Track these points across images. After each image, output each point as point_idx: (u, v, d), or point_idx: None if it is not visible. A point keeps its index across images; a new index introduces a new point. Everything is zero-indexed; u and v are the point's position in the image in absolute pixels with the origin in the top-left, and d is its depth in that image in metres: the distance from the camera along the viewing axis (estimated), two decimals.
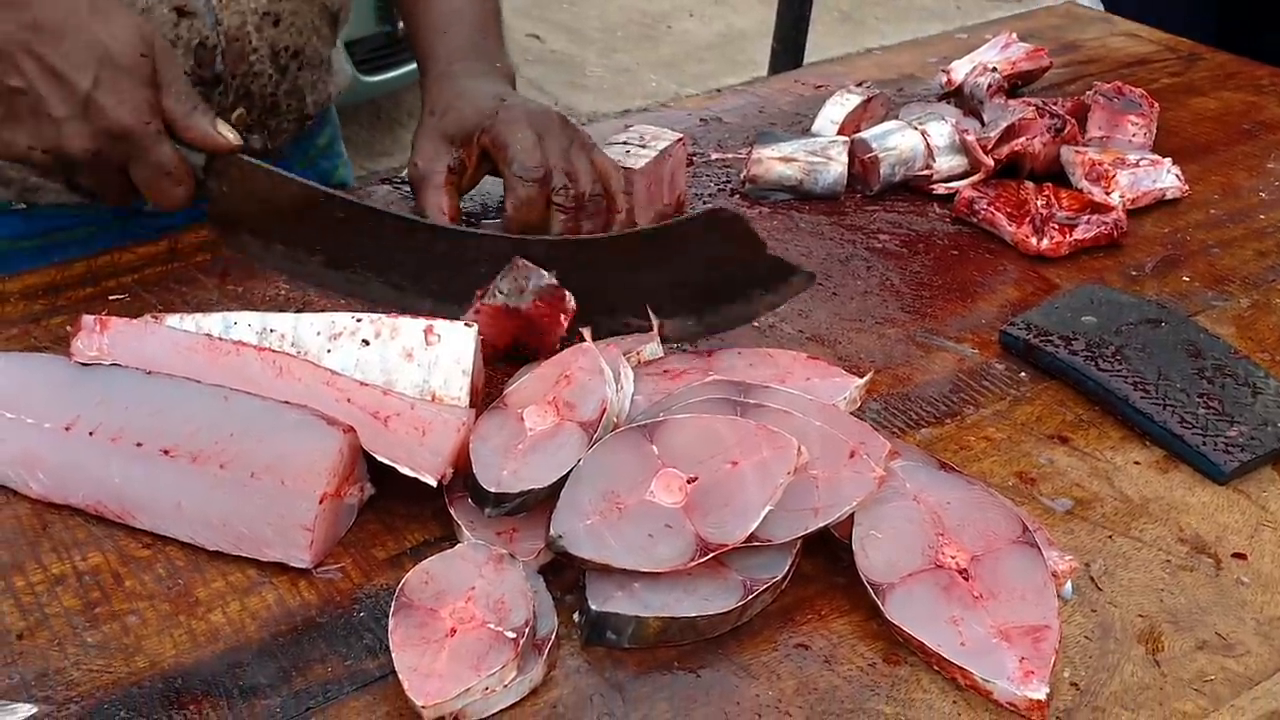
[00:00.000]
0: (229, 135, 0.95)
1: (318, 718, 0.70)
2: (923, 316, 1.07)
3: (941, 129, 1.26)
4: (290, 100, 1.19)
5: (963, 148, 1.24)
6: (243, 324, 0.89)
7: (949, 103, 1.38)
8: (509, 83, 1.13)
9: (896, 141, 1.24)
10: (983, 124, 1.27)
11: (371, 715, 0.70)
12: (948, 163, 1.25)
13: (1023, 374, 1.00)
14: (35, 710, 0.69)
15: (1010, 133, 1.24)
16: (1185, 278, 1.15)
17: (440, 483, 0.81)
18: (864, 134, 1.26)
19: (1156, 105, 1.36)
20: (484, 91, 1.07)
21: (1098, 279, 1.13)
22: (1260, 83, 1.55)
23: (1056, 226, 1.16)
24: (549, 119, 1.04)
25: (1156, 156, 1.29)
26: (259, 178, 0.99)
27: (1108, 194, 1.23)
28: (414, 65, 1.20)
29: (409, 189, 1.11)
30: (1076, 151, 1.26)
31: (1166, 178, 1.27)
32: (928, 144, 1.24)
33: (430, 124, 1.07)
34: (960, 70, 1.42)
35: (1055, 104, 1.31)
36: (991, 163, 1.23)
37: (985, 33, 1.58)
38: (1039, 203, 1.19)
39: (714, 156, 1.32)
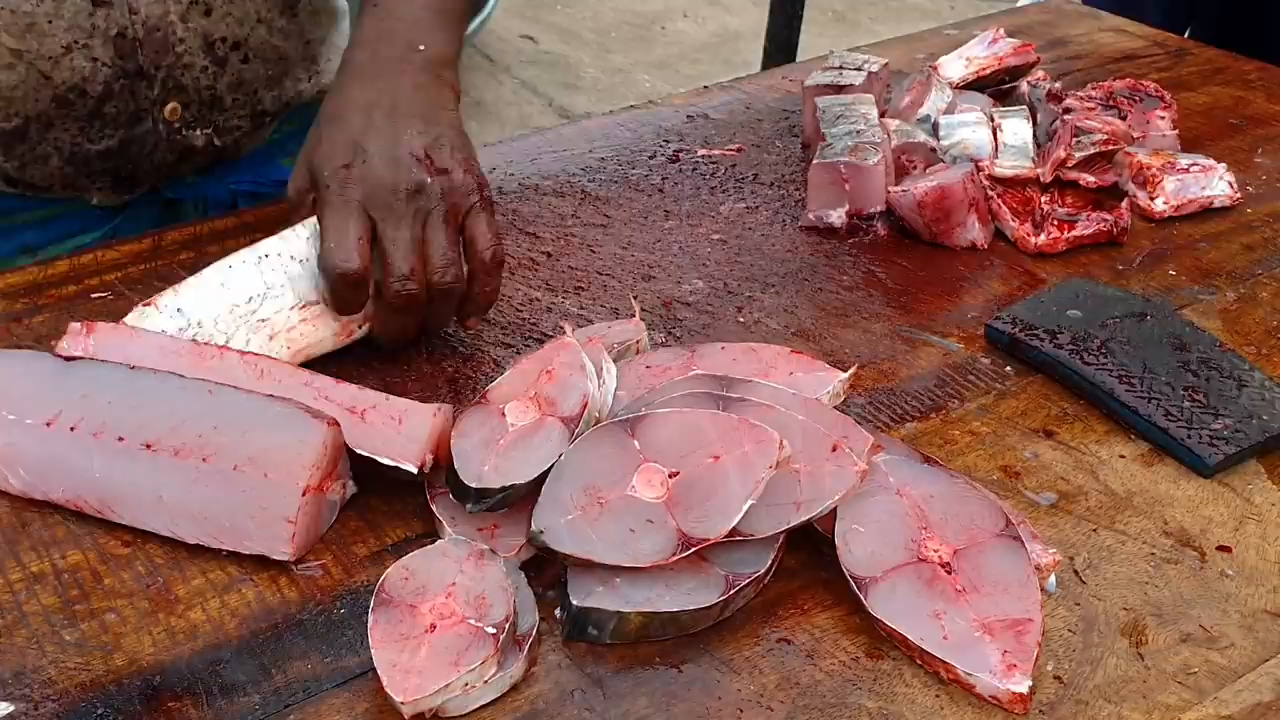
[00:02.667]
0: None
1: (297, 715, 0.69)
2: (908, 311, 1.07)
3: (1020, 129, 1.20)
4: (236, 95, 1.15)
5: (1038, 156, 1.19)
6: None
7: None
8: (444, 89, 0.97)
9: (965, 135, 1.21)
10: (1035, 123, 1.23)
11: (351, 712, 0.69)
12: (1010, 163, 1.19)
13: (1008, 368, 1.00)
14: (11, 709, 0.68)
15: (1096, 159, 1.18)
16: (1171, 272, 1.15)
17: (420, 470, 0.80)
18: (938, 120, 1.23)
19: (1169, 94, 1.35)
20: (353, 123, 0.93)
21: (1084, 274, 1.13)
22: (1248, 77, 1.55)
23: (1055, 223, 1.16)
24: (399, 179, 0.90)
25: (1210, 162, 1.25)
26: None
27: (1151, 200, 1.22)
28: None
29: None
30: (1126, 153, 1.24)
31: (1218, 185, 1.23)
32: (996, 141, 1.20)
33: (310, 139, 0.95)
34: (948, 66, 1.41)
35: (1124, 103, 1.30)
36: (1050, 178, 1.18)
37: (974, 29, 1.58)
38: (1043, 199, 1.18)
39: (700, 154, 1.31)
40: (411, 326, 0.93)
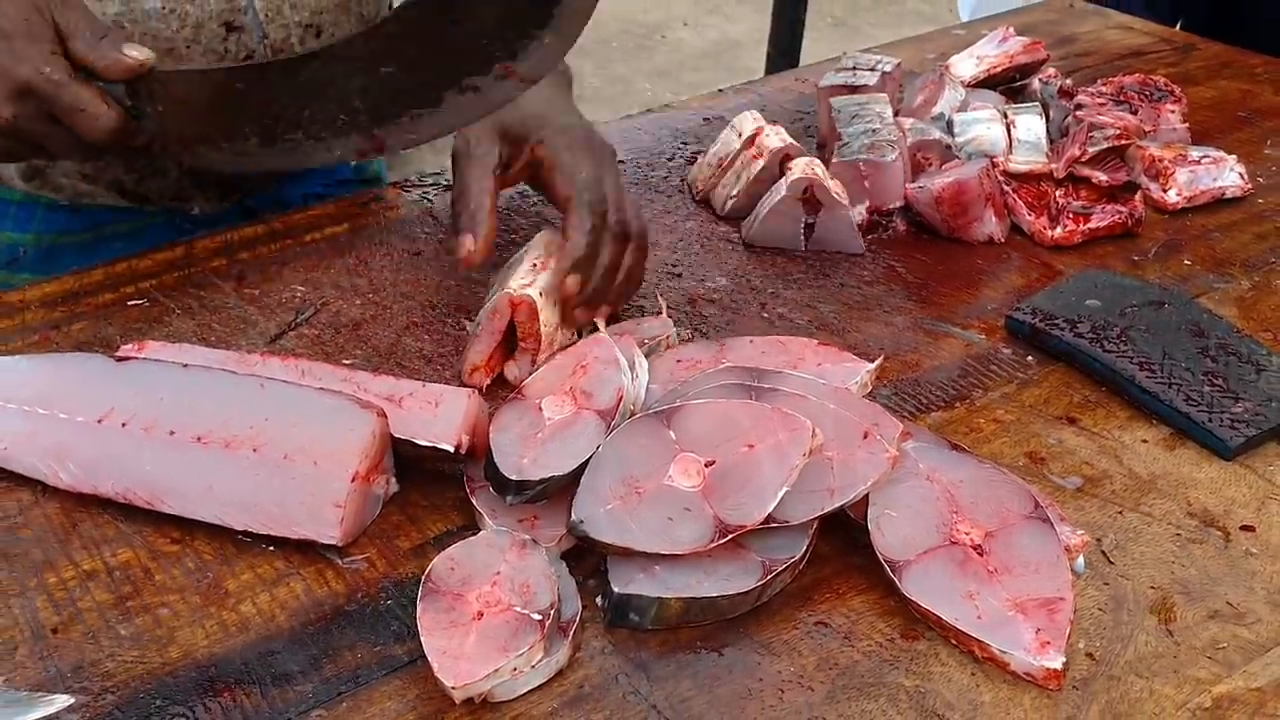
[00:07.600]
0: (135, 54, 0.92)
1: (350, 702, 0.71)
2: (929, 305, 1.09)
3: (1033, 125, 1.22)
4: None
5: (1052, 151, 1.21)
6: None
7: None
8: (566, 84, 1.13)
9: (979, 131, 1.23)
10: (1047, 119, 1.26)
11: (402, 699, 0.71)
12: (1024, 158, 1.21)
13: (1029, 358, 1.02)
14: (72, 700, 0.70)
15: (1109, 154, 1.20)
16: (1186, 261, 1.16)
17: (457, 450, 0.83)
18: (952, 118, 1.25)
19: (1179, 88, 1.37)
20: (541, 95, 1.03)
21: (1100, 265, 1.14)
22: (1254, 71, 1.57)
23: (1071, 216, 1.18)
24: (604, 152, 1.05)
25: (1221, 154, 1.27)
26: (175, 82, 0.95)
27: (1164, 192, 1.24)
28: None
29: (440, 192, 1.18)
30: (1138, 147, 1.26)
31: (1229, 176, 1.26)
32: (1010, 138, 1.22)
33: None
34: (960, 65, 1.43)
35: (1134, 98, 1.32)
36: (1064, 174, 1.21)
37: (982, 28, 1.60)
38: (1058, 192, 1.20)
39: None
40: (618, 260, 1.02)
